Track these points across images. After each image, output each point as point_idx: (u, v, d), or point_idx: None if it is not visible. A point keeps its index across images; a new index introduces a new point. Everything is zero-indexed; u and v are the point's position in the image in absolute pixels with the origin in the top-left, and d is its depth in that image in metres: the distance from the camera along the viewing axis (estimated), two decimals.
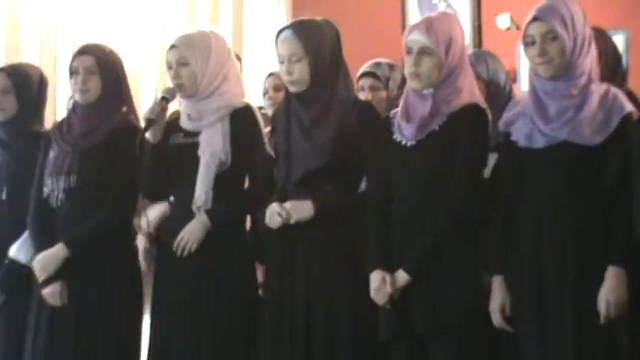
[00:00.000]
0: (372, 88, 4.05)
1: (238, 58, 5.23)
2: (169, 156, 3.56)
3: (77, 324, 3.59)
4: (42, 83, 4.05)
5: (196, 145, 3.51)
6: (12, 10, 5.33)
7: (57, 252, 3.60)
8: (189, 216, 3.49)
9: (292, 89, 3.43)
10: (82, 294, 3.61)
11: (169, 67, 3.57)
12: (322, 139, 3.35)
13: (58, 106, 5.20)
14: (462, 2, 5.92)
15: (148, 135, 3.50)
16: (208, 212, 3.47)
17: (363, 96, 4.01)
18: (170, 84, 3.61)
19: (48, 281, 3.60)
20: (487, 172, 3.29)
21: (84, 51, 3.76)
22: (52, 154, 3.71)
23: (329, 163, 3.33)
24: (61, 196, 3.65)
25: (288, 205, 3.35)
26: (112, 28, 5.71)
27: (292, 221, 3.33)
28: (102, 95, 3.69)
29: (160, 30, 5.83)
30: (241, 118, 3.53)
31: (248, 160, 3.53)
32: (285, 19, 6.43)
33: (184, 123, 3.60)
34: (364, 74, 4.09)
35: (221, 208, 3.48)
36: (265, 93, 4.61)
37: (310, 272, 3.33)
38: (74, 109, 3.79)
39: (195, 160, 3.49)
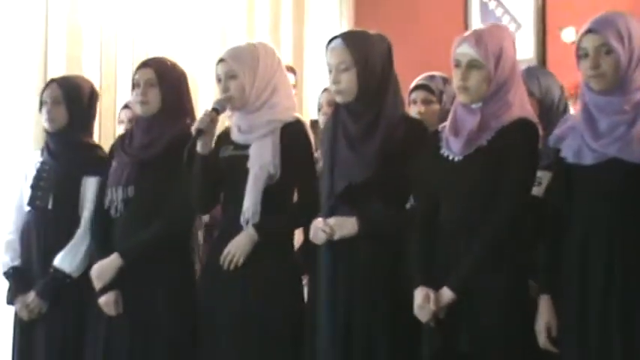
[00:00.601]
0: (425, 101, 4.03)
1: (293, 70, 5.33)
2: (219, 168, 3.59)
3: (131, 329, 3.66)
4: (92, 96, 4.14)
5: (246, 158, 3.53)
6: (73, 23, 5.44)
7: (112, 262, 3.68)
8: (237, 229, 3.52)
9: (339, 99, 3.43)
10: (136, 301, 3.68)
11: (218, 80, 3.62)
12: (368, 152, 3.33)
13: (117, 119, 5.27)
14: (526, 15, 5.84)
15: (197, 146, 3.53)
16: (256, 226, 3.49)
17: (415, 109, 4.01)
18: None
19: (104, 290, 3.69)
20: (540, 190, 3.25)
21: (145, 64, 3.86)
22: (113, 165, 3.81)
23: (374, 177, 3.31)
24: (119, 206, 3.74)
25: (332, 221, 3.34)
26: (172, 42, 5.82)
27: (336, 237, 3.33)
28: (162, 107, 3.76)
29: (220, 43, 5.87)
30: (292, 132, 3.56)
31: (297, 174, 3.55)
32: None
33: (235, 135, 3.63)
34: (417, 87, 4.07)
35: (269, 222, 3.50)
36: (320, 108, 4.59)
37: (352, 289, 3.32)
38: (137, 122, 3.90)
39: (245, 173, 3.51)
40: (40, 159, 4.07)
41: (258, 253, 3.48)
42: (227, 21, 6.10)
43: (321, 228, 3.35)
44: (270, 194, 3.50)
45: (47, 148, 4.07)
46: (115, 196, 3.75)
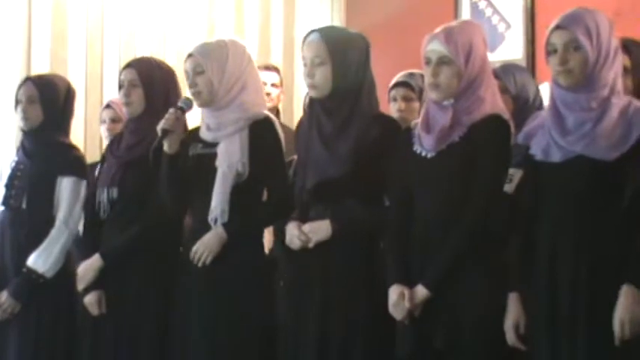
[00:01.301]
0: (405, 98, 4.07)
1: (277, 69, 5.36)
2: (188, 167, 3.60)
3: (115, 328, 3.70)
4: (69, 95, 4.15)
5: (214, 156, 3.55)
6: (58, 22, 5.45)
7: (93, 262, 3.73)
8: (206, 228, 3.53)
9: (312, 94, 3.45)
10: (119, 301, 3.72)
11: (187, 77, 3.63)
12: (341, 149, 3.35)
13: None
14: (515, 15, 5.87)
15: (164, 146, 3.55)
16: (225, 225, 3.51)
17: (395, 106, 4.04)
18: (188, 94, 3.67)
19: (87, 290, 3.73)
20: (512, 187, 3.28)
21: (129, 64, 3.90)
22: (104, 166, 3.86)
23: (347, 174, 3.33)
24: (106, 207, 3.78)
25: (306, 227, 3.37)
26: (160, 41, 5.83)
27: (311, 245, 3.36)
28: (146, 108, 3.79)
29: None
30: (261, 130, 3.57)
31: (266, 173, 3.56)
32: None
33: (203, 133, 3.65)
34: (397, 84, 4.10)
35: (238, 221, 3.51)
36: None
37: (327, 291, 3.34)
38: (126, 123, 3.94)
39: (213, 171, 3.53)
40: (15, 158, 4.11)
41: (227, 252, 3.50)
42: (216, 19, 6.12)
43: (296, 236, 3.37)
44: (239, 193, 3.51)
45: (22, 147, 4.10)
46: (102, 197, 3.79)
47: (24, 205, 3.97)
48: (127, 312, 3.69)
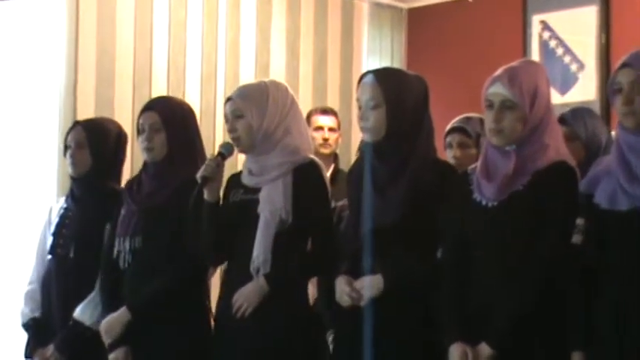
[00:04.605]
0: (461, 145, 4.16)
1: (334, 113, 5.49)
2: (229, 214, 3.70)
3: None
4: (120, 139, 4.30)
5: (256, 202, 3.64)
6: (104, 62, 5.70)
7: (120, 316, 3.83)
8: (246, 278, 3.61)
9: (366, 137, 3.56)
10: (147, 356, 3.81)
11: (226, 121, 3.77)
12: (395, 196, 3.44)
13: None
14: (589, 55, 5.96)
15: (205, 194, 3.66)
16: (267, 276, 3.59)
17: (450, 153, 4.12)
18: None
19: (113, 346, 3.83)
20: (579, 238, 3.26)
21: (149, 107, 3.99)
22: (122, 213, 3.95)
23: (401, 222, 3.41)
24: (127, 257, 3.88)
25: (358, 284, 3.45)
26: (208, 81, 6.07)
27: (363, 303, 3.45)
28: (169, 152, 3.90)
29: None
30: (305, 175, 3.65)
31: (311, 220, 3.64)
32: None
33: (245, 179, 3.75)
34: (453, 130, 4.19)
35: (280, 272, 3.59)
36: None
37: (380, 347, 3.41)
38: (145, 167, 4.03)
39: (255, 218, 3.62)
40: (64, 205, 4.26)
41: (268, 305, 3.58)
42: (269, 60, 6.34)
43: (347, 293, 3.46)
44: (282, 241, 3.59)
45: (71, 194, 4.25)
46: (123, 246, 3.88)
47: (72, 254, 4.11)
48: None
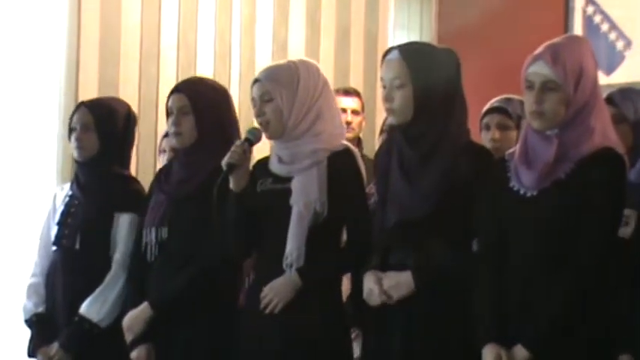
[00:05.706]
0: (501, 126, 4.16)
1: (358, 94, 5.54)
2: (257, 205, 3.74)
3: None
4: (129, 120, 4.34)
5: (288, 192, 3.68)
6: (108, 39, 5.76)
7: (141, 312, 3.90)
8: (277, 271, 3.67)
9: (392, 120, 3.58)
10: (171, 354, 3.89)
11: (254, 105, 3.80)
12: (425, 184, 3.46)
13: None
14: (637, 31, 5.96)
15: (230, 183, 3.70)
16: (300, 270, 3.64)
17: (488, 135, 4.13)
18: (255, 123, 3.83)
19: (135, 343, 3.91)
20: (628, 231, 3.37)
21: (177, 89, 4.05)
22: (151, 203, 4.01)
23: (431, 213, 3.44)
24: (154, 249, 3.95)
25: (386, 283, 3.48)
26: (222, 60, 6.14)
27: (393, 302, 3.49)
28: (199, 138, 3.95)
29: None
30: (340, 163, 3.68)
31: (347, 212, 3.68)
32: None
33: (274, 167, 3.79)
34: (492, 110, 4.20)
35: (314, 267, 3.64)
36: (381, 132, 4.77)
37: (410, 347, 3.47)
38: (175, 154, 4.09)
39: (287, 209, 3.66)
40: (69, 192, 4.29)
41: (301, 300, 3.63)
42: (286, 37, 6.40)
43: (376, 293, 3.50)
44: (316, 234, 3.63)
45: (76, 180, 4.28)
46: (150, 238, 3.96)
47: (77, 246, 4.16)
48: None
